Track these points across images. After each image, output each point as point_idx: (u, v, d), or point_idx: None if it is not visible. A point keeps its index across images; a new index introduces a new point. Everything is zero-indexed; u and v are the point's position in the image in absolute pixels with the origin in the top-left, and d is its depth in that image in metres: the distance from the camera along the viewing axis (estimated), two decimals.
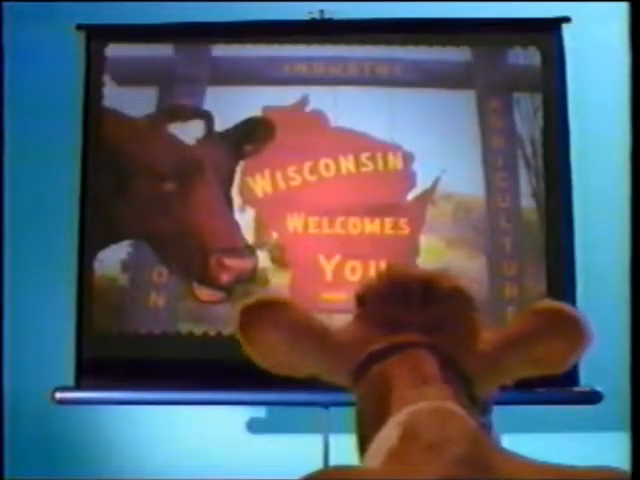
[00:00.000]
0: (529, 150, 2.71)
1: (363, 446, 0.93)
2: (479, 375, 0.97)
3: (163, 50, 2.80)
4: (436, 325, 0.98)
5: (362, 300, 1.02)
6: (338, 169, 2.72)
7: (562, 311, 0.99)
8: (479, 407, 0.96)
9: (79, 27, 2.81)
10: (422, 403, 0.89)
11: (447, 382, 0.93)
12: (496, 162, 2.71)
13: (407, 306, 0.99)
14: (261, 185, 2.73)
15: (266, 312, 1.01)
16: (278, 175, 2.73)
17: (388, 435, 0.87)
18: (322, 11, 2.84)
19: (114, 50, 2.80)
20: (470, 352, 0.97)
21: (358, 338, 0.99)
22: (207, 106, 2.77)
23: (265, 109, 2.76)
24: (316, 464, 2.42)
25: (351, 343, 0.99)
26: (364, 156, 2.73)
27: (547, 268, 2.66)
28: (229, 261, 2.66)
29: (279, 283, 2.67)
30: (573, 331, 0.97)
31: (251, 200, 2.74)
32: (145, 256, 2.71)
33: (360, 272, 2.63)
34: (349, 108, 2.74)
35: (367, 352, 0.97)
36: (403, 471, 0.82)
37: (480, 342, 0.98)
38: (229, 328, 2.63)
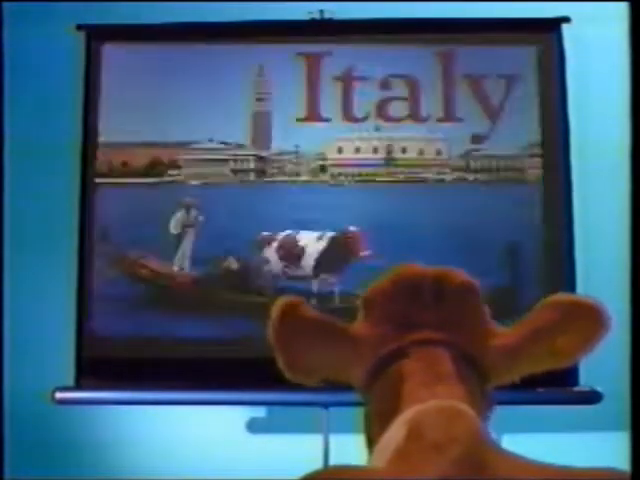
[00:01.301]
0: None
1: (373, 446, 0.93)
2: (495, 369, 0.97)
3: None
4: (449, 321, 0.97)
5: (372, 302, 1.01)
6: None
7: (580, 303, 0.99)
8: (489, 402, 0.96)
9: (79, 27, 2.81)
10: (431, 402, 0.88)
11: (462, 379, 0.93)
12: None
13: (419, 304, 0.98)
14: None
15: (293, 312, 1.01)
16: None
17: (394, 434, 0.87)
18: (322, 11, 2.85)
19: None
20: (485, 346, 0.97)
21: (372, 339, 0.99)
22: None
23: None
24: (316, 464, 2.41)
25: (366, 343, 0.99)
26: None
27: (546, 268, 2.67)
28: None
29: None
30: (591, 321, 0.97)
31: None
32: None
33: None
34: None
35: (384, 352, 0.97)
36: (404, 471, 0.82)
37: (494, 336, 0.98)
38: (230, 328, 2.64)
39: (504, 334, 0.99)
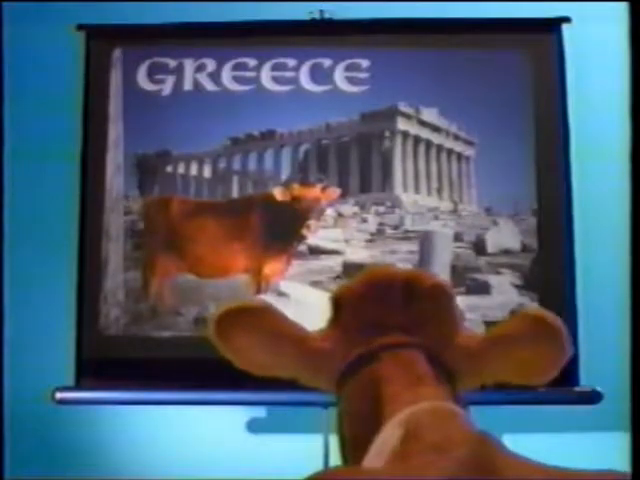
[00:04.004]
0: None
1: (347, 448, 0.93)
2: (462, 373, 0.96)
3: None
4: (419, 324, 0.97)
5: (341, 303, 1.00)
6: None
7: (548, 320, 0.98)
8: (462, 404, 0.95)
9: (79, 27, 2.81)
10: (422, 403, 0.88)
11: (439, 382, 0.93)
12: None
13: (389, 307, 0.97)
14: None
15: (244, 317, 0.99)
16: None
17: (389, 436, 0.86)
18: (322, 11, 2.84)
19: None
20: (454, 350, 0.97)
21: (341, 343, 0.97)
22: None
23: None
24: (316, 464, 2.42)
25: (334, 348, 0.97)
26: None
27: (547, 268, 2.67)
28: None
29: None
30: (556, 342, 0.97)
31: None
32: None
33: None
34: None
35: (354, 355, 0.96)
36: (406, 471, 0.81)
37: (462, 340, 0.98)
38: None
39: (470, 337, 0.98)
